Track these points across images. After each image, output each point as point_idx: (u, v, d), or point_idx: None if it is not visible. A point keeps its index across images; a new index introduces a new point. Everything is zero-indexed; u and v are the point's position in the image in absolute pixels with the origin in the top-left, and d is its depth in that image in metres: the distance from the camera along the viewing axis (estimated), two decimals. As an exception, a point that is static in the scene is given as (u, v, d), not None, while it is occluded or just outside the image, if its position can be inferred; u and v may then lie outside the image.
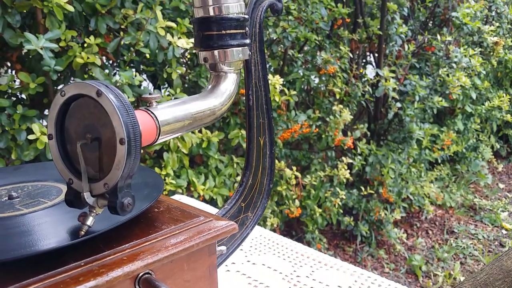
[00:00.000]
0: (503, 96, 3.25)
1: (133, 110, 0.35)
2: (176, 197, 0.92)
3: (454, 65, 2.54)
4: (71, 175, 0.37)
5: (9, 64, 1.51)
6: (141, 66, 1.60)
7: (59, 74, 1.35)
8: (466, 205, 3.38)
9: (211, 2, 0.47)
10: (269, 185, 0.59)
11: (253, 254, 0.71)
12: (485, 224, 3.09)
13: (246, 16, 0.50)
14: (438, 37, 2.49)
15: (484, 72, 3.11)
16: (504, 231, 2.98)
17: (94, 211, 0.36)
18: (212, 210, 0.85)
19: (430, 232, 3.00)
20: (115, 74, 1.53)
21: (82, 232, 0.35)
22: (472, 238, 2.87)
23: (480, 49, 3.12)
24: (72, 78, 1.41)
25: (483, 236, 2.89)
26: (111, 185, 0.35)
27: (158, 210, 0.46)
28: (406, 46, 2.47)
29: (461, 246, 2.76)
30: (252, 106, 0.55)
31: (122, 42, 1.40)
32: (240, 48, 0.50)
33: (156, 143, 0.41)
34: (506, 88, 3.78)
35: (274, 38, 1.79)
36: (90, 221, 0.36)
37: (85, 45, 1.36)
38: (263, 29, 0.55)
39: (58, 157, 0.37)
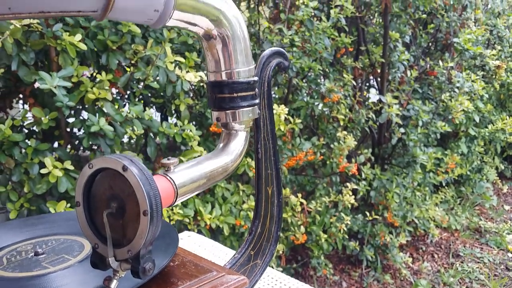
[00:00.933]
0: (506, 119, 3.27)
1: (155, 182, 0.38)
2: (185, 234, 0.95)
3: (456, 90, 2.58)
4: (97, 240, 0.40)
5: (21, 96, 1.55)
6: (150, 98, 1.64)
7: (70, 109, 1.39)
8: (472, 227, 3.38)
9: (223, 67, 0.51)
10: (277, 232, 0.61)
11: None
12: (491, 247, 3.09)
13: (256, 79, 0.54)
14: (440, 62, 2.53)
15: (487, 95, 3.14)
16: (510, 254, 2.97)
17: (118, 275, 0.39)
18: (223, 249, 0.88)
19: (435, 255, 3.00)
20: (124, 105, 1.57)
21: (107, 295, 0.38)
22: (478, 262, 2.87)
23: (482, 73, 3.17)
24: (82, 112, 1.45)
25: (488, 260, 2.88)
26: (134, 252, 0.38)
27: (173, 264, 0.49)
28: (408, 72, 2.51)
29: (467, 270, 2.76)
30: (261, 159, 0.58)
31: (132, 77, 1.45)
32: (251, 108, 0.54)
33: (174, 204, 0.44)
34: (509, 110, 3.80)
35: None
36: (114, 284, 0.39)
37: (97, 79, 1.41)
38: (271, 87, 0.59)
39: (85, 223, 0.40)
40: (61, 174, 1.29)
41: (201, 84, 1.62)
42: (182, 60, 1.49)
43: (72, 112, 1.42)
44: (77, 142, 1.49)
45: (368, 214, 2.47)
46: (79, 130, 1.47)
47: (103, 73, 1.36)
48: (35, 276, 0.43)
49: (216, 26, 0.48)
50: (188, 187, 0.46)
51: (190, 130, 1.56)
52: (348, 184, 2.21)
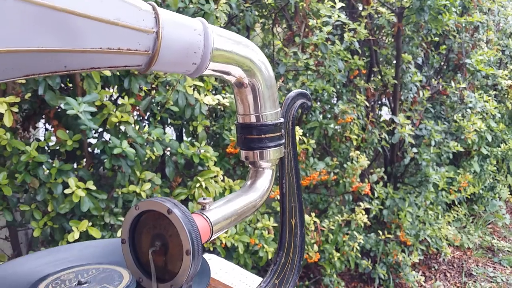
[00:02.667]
0: (518, 138, 3.28)
1: (196, 223, 0.42)
2: (206, 256, 0.98)
3: (469, 110, 2.60)
4: (141, 275, 0.44)
5: (43, 116, 1.61)
6: (169, 120, 1.69)
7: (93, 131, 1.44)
8: (484, 246, 3.36)
9: (252, 111, 0.55)
10: (299, 261, 0.65)
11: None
12: (504, 267, 3.07)
13: (282, 120, 0.58)
14: (452, 83, 2.56)
15: (499, 115, 3.15)
16: (523, 275, 2.96)
17: (161, 308, 0.43)
18: (243, 272, 0.91)
19: (448, 274, 2.99)
20: (144, 126, 1.62)
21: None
22: (491, 281, 2.86)
23: (494, 92, 3.18)
24: (104, 135, 1.50)
25: (502, 280, 2.87)
26: (177, 287, 0.41)
27: (207, 295, 0.53)
28: (421, 92, 2.54)
29: (480, 290, 2.75)
30: (285, 193, 0.62)
31: (153, 100, 1.50)
32: (277, 148, 0.57)
33: (209, 241, 0.48)
34: (521, 128, 3.80)
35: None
36: (157, 316, 0.42)
37: (119, 103, 1.46)
38: (295, 126, 0.63)
39: (131, 259, 0.44)
40: (83, 194, 1.34)
41: (218, 106, 1.66)
42: (201, 84, 1.53)
43: (96, 134, 1.47)
44: (97, 162, 1.53)
45: (380, 232, 2.48)
46: (101, 152, 1.52)
47: (125, 97, 1.41)
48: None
49: (248, 75, 0.52)
50: (221, 224, 0.49)
51: (207, 151, 1.60)
52: (361, 203, 2.23)
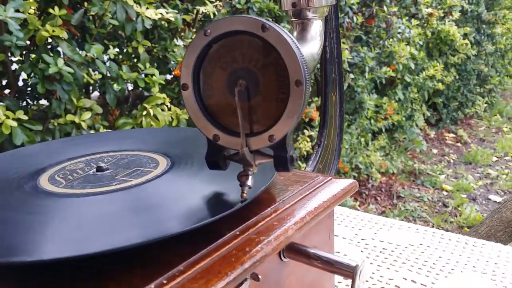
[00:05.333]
0: (437, 66, 3.43)
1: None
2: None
3: (398, 35, 2.63)
4: (216, 131, 0.31)
5: None
6: (104, 41, 1.47)
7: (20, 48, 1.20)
8: (407, 170, 3.56)
9: None
10: (339, 145, 0.56)
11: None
12: (427, 187, 3.28)
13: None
14: (385, 8, 2.56)
15: (421, 43, 3.25)
16: (445, 193, 3.18)
17: (252, 170, 0.31)
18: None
19: (378, 198, 3.14)
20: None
21: (245, 195, 0.30)
22: (418, 201, 3.04)
23: (416, 21, 3.26)
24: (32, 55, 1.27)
25: (427, 199, 3.06)
26: (279, 137, 0.30)
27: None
28: (354, 18, 2.50)
29: (409, 209, 2.91)
30: (328, 59, 0.51)
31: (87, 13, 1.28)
32: (329, -9, 0.46)
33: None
34: (435, 58, 3.99)
35: (239, 8, 1.73)
36: (250, 181, 0.31)
37: (43, 18, 1.22)
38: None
39: (198, 110, 0.31)
40: (15, 124, 1.12)
41: (162, 22, 1.48)
42: (142, -6, 1.34)
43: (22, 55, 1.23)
44: (25, 89, 1.30)
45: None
46: (29, 76, 1.29)
47: (56, 8, 1.18)
48: (118, 189, 0.34)
49: None
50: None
51: (153, 75, 1.43)
52: (305, 130, 2.20)
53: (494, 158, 3.69)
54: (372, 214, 2.63)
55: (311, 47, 0.44)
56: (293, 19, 0.47)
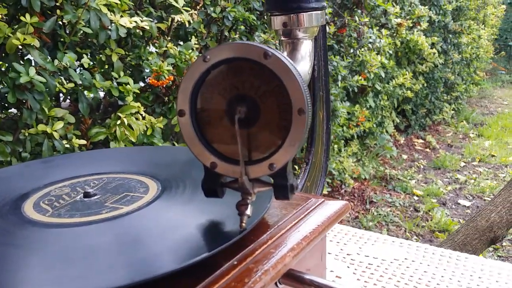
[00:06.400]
0: (406, 74, 3.51)
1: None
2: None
3: (370, 45, 2.67)
4: (214, 158, 0.30)
5: None
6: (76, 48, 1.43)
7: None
8: (379, 176, 3.62)
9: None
10: (326, 162, 0.55)
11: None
12: (398, 192, 3.34)
13: (324, -23, 0.46)
14: (356, 18, 2.60)
15: (390, 52, 3.32)
16: (415, 197, 3.25)
17: (250, 198, 0.30)
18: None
19: (351, 203, 3.17)
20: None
21: (244, 225, 0.29)
22: (390, 206, 3.09)
23: (386, 31, 3.33)
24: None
25: (399, 204, 3.12)
26: (279, 165, 0.29)
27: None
28: (327, 28, 2.53)
29: (382, 214, 2.95)
30: (316, 77, 0.51)
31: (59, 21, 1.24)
32: (319, 12, 0.46)
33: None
34: (404, 67, 4.08)
35: (214, 16, 1.72)
36: (249, 210, 0.30)
37: (16, 26, 1.18)
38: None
39: (194, 137, 0.30)
40: (-16, 136, 1.08)
41: (137, 30, 1.45)
42: (116, 1, 1.31)
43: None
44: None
45: (297, 167, 2.50)
46: (-3, 85, 1.24)
47: (27, 15, 1.14)
48: (109, 218, 0.32)
49: None
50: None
51: (128, 83, 1.41)
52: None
53: (462, 163, 3.79)
54: (346, 219, 2.66)
55: (301, 66, 0.44)
56: (283, 38, 0.46)
